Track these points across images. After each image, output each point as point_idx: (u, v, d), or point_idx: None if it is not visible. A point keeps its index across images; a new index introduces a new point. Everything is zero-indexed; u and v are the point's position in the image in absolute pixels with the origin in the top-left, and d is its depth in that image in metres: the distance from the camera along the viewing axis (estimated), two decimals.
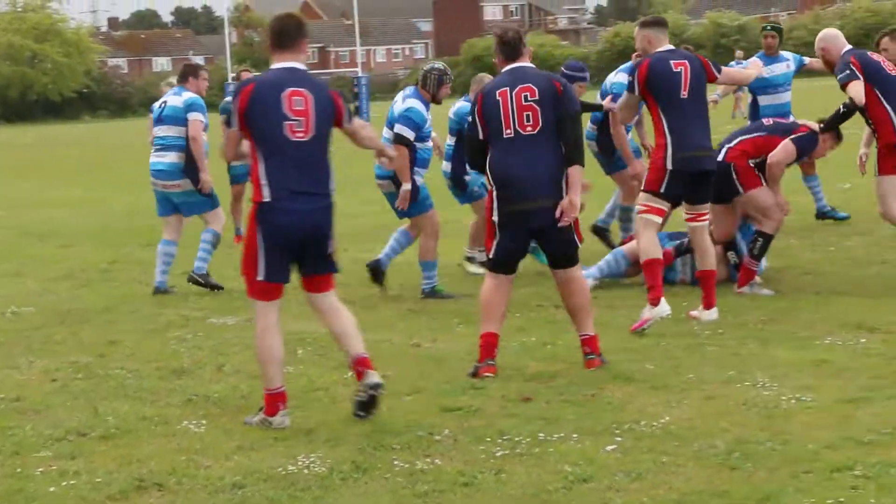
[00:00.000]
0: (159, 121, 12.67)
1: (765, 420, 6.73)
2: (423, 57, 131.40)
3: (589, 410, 7.11)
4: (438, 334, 9.54)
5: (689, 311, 9.73)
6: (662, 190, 9.48)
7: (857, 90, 10.26)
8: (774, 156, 10.52)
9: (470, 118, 8.47)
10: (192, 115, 12.33)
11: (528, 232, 8.32)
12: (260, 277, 7.21)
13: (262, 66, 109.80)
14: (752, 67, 12.94)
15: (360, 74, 65.52)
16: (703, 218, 9.73)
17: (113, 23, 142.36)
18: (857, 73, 10.40)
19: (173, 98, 12.64)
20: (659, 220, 9.74)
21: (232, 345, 9.61)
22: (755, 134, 11.04)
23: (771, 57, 14.40)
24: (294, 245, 7.22)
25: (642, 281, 11.12)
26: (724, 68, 10.22)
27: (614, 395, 7.44)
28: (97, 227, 19.12)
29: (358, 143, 7.72)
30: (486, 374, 8.08)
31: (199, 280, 12.44)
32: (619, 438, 6.53)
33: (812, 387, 7.33)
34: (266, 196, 7.11)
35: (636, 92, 9.56)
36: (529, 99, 8.16)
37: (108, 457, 6.68)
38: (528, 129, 8.13)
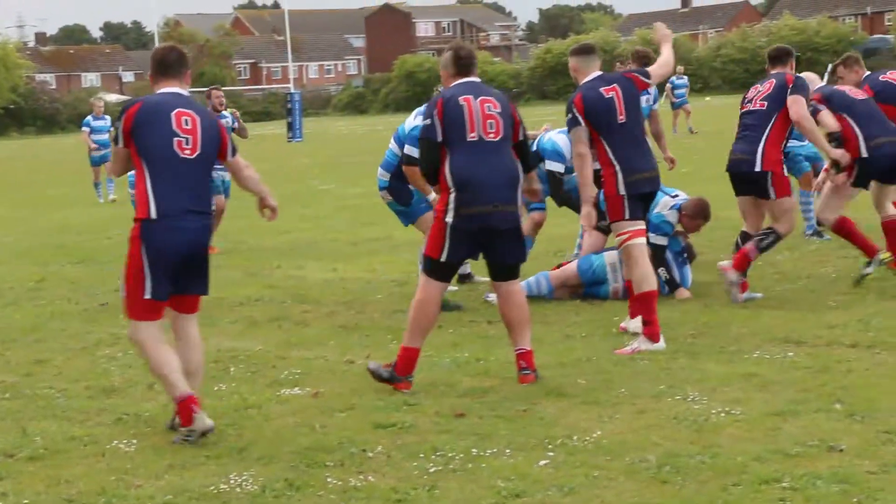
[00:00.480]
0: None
1: (695, 433, 6.77)
2: (355, 73, 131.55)
3: (522, 426, 7.12)
4: (372, 350, 9.52)
5: (620, 325, 9.82)
6: (627, 216, 9.42)
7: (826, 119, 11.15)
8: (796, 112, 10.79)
9: (428, 121, 8.38)
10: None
11: (482, 236, 8.28)
12: (147, 296, 7.13)
13: (193, 81, 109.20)
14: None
15: (292, 90, 65.25)
16: (642, 234, 9.78)
17: (41, 38, 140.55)
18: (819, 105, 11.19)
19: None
20: (642, 240, 9.55)
21: None
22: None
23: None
24: (178, 263, 7.19)
25: (573, 297, 11.25)
26: (649, 68, 10.26)
27: (547, 410, 7.46)
28: (24, 245, 18.83)
29: (239, 182, 7.73)
30: (403, 389, 8.10)
31: None
32: (551, 453, 6.55)
33: (741, 400, 7.39)
34: (153, 213, 7.08)
35: (582, 124, 9.47)
36: (492, 110, 8.29)
37: (36, 478, 6.60)
38: (491, 136, 8.23)
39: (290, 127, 58.19)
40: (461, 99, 8.28)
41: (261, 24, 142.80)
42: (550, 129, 12.37)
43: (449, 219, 8.18)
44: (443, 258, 8.27)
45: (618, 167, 9.39)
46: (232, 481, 6.37)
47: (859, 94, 11.44)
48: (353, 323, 10.80)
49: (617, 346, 9.13)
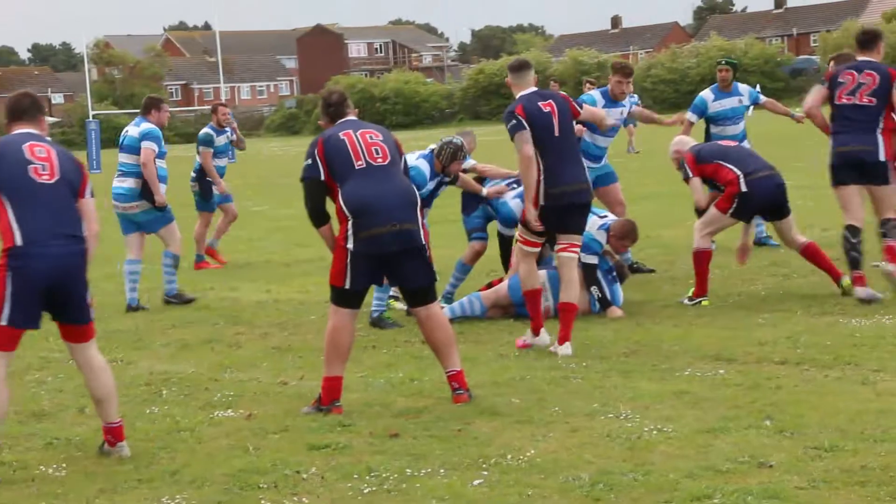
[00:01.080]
0: (121, 148, 13.77)
1: (627, 451, 6.80)
2: (288, 94, 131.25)
3: (456, 445, 7.13)
4: (305, 372, 9.50)
5: (550, 348, 9.87)
6: (544, 223, 9.78)
7: None
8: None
9: (309, 160, 8.41)
10: (145, 144, 13.34)
11: (384, 258, 8.28)
12: (3, 322, 6.97)
13: (123, 104, 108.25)
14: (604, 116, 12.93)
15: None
16: (574, 249, 9.99)
17: None
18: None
19: (133, 128, 13.76)
20: (536, 250, 10.10)
21: None
22: None
23: (723, 91, 14.85)
24: (45, 290, 7.03)
25: (506, 316, 11.29)
26: (585, 106, 10.48)
27: (481, 429, 7.47)
28: None
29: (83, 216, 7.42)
30: (337, 413, 8.10)
31: (174, 300, 13.59)
32: (485, 472, 6.56)
33: (672, 417, 7.43)
34: (18, 241, 6.94)
35: (527, 128, 9.71)
36: (374, 138, 8.39)
37: None
38: (379, 160, 8.31)
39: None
40: (341, 134, 8.38)
41: (192, 46, 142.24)
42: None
43: (350, 245, 8.17)
44: (347, 286, 8.25)
45: (543, 177, 9.69)
46: None
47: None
48: (287, 344, 10.77)
49: (551, 365, 9.16)
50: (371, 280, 8.51)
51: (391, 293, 11.72)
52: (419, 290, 8.44)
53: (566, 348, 9.64)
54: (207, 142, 17.13)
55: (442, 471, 6.64)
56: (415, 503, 6.14)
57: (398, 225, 8.20)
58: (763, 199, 11.50)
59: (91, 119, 64.39)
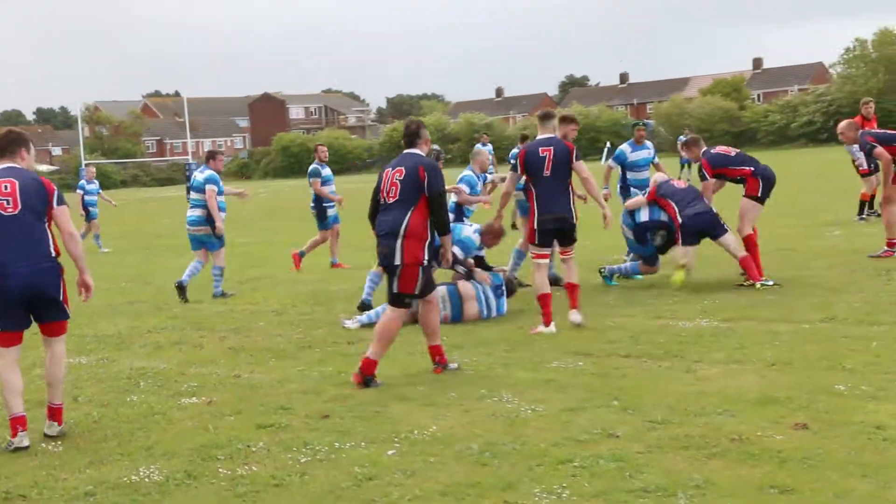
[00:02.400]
0: (192, 188, 15.14)
1: (508, 426, 6.81)
2: (241, 147, 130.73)
3: (374, 424, 7.10)
4: (255, 367, 9.42)
5: (531, 329, 10.33)
6: (537, 241, 10.37)
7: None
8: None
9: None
10: (208, 186, 14.58)
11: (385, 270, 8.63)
12: None
13: (110, 154, 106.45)
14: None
15: (190, 161, 64.75)
16: (569, 254, 10.53)
17: None
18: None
19: (198, 174, 14.95)
20: (546, 261, 10.57)
21: (85, 380, 9.30)
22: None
23: (638, 145, 15.06)
24: (21, 300, 6.94)
25: (414, 322, 11.27)
26: (584, 175, 10.45)
27: (394, 411, 7.45)
28: None
29: (61, 236, 7.23)
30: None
31: (219, 296, 14.55)
32: (397, 444, 6.55)
33: (543, 400, 7.45)
34: None
35: (518, 171, 10.46)
36: (397, 178, 8.51)
37: None
38: (390, 198, 8.50)
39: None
40: (385, 170, 8.74)
41: (165, 109, 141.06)
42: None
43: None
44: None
45: (536, 206, 10.29)
46: (141, 473, 6.25)
47: (681, 184, 12.91)
48: (240, 345, 10.66)
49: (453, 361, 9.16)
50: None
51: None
52: (391, 295, 8.61)
53: (575, 315, 10.34)
54: (316, 174, 17.82)
55: (363, 444, 6.61)
56: (342, 470, 6.10)
57: (383, 249, 8.44)
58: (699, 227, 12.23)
59: (83, 167, 63.22)
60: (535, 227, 10.30)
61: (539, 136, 10.41)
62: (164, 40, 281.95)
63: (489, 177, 14.59)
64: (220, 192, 14.76)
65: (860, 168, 18.24)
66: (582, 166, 10.36)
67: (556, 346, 9.51)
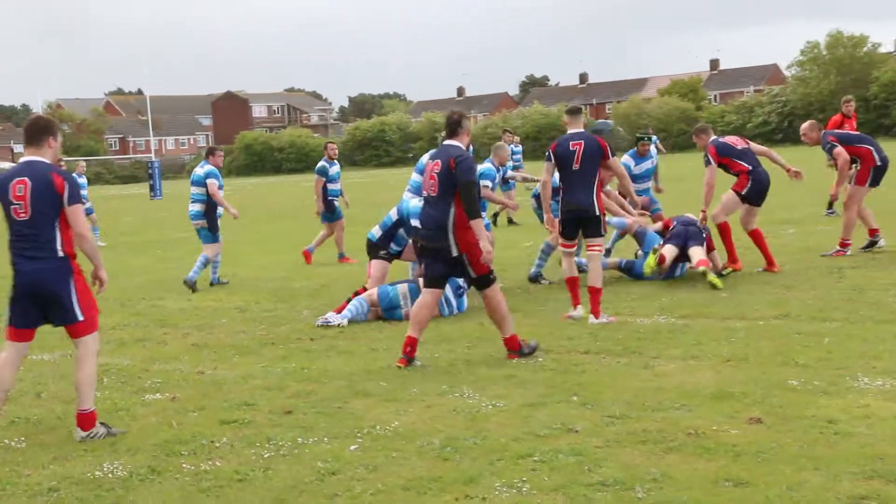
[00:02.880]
0: (192, 182, 15.47)
1: (469, 421, 6.83)
2: (204, 145, 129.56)
3: (336, 419, 7.10)
4: (218, 363, 9.39)
5: (564, 315, 10.66)
6: (562, 232, 10.70)
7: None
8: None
9: None
10: (210, 180, 15.13)
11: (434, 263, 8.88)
12: (7, 324, 7.05)
13: (72, 152, 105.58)
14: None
15: (153, 159, 64.21)
16: (596, 248, 10.57)
17: None
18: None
19: (199, 169, 15.40)
20: (572, 250, 10.84)
21: (48, 376, 9.22)
22: None
23: (641, 157, 15.06)
24: (28, 298, 6.92)
25: (377, 319, 11.28)
26: (617, 170, 11.08)
27: (356, 406, 7.45)
28: None
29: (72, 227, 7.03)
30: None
31: (189, 286, 14.73)
32: (360, 440, 6.55)
33: (503, 395, 7.48)
34: (10, 261, 6.96)
35: (552, 160, 10.58)
36: (435, 169, 8.74)
37: None
38: (431, 192, 8.75)
39: (152, 188, 57.53)
40: (426, 163, 9.19)
41: (128, 107, 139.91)
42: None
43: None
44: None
45: (562, 197, 10.56)
46: (105, 469, 6.22)
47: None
48: (203, 342, 10.62)
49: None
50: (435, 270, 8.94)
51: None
52: (474, 281, 8.88)
53: (593, 318, 10.33)
54: (323, 172, 18.03)
55: (326, 439, 6.62)
56: (305, 465, 6.10)
57: (425, 242, 8.79)
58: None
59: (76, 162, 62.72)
60: (561, 217, 10.66)
61: (570, 131, 10.56)
62: (127, 39, 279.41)
63: (509, 172, 15.30)
64: (220, 186, 15.29)
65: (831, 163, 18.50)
66: (616, 163, 10.77)
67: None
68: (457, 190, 8.58)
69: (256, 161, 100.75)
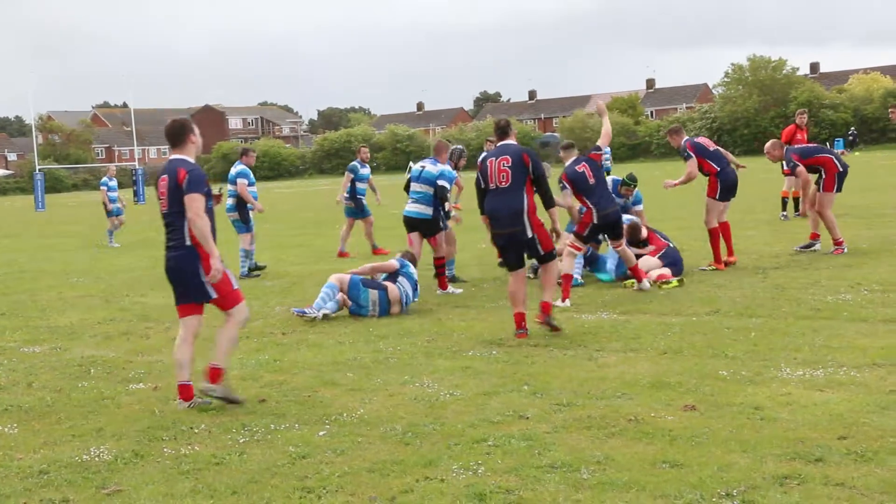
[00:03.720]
0: (227, 181, 16.03)
1: (429, 409, 6.81)
2: None
3: (307, 407, 7.05)
4: (197, 355, 9.26)
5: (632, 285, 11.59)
6: (585, 235, 11.54)
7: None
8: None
9: (477, 175, 9.56)
10: (240, 179, 15.80)
11: (502, 247, 9.42)
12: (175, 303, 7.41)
13: (62, 160, 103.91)
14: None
15: (137, 167, 63.70)
16: (618, 246, 11.72)
17: None
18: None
19: (233, 168, 16.06)
20: (579, 253, 11.77)
21: (39, 367, 9.08)
22: None
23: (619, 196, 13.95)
24: (172, 281, 7.31)
25: (346, 309, 11.20)
26: (599, 142, 11.95)
27: (325, 395, 7.41)
28: None
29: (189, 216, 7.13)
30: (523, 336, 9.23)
31: (245, 276, 15.33)
32: (328, 426, 6.51)
33: (460, 385, 7.47)
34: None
35: (568, 189, 11.54)
36: (505, 165, 9.20)
37: None
38: (503, 184, 9.21)
39: (136, 193, 57.26)
40: (487, 160, 9.36)
41: (113, 119, 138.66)
42: None
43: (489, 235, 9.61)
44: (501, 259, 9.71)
45: (593, 208, 11.40)
46: (92, 453, 6.12)
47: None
48: None
49: (374, 349, 9.11)
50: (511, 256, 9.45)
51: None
52: (542, 257, 9.46)
53: (644, 284, 11.68)
54: (353, 170, 18.41)
55: (297, 426, 6.56)
56: (277, 449, 6.04)
57: (509, 229, 9.19)
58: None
59: (37, 171, 61.94)
60: (595, 221, 11.33)
61: (570, 160, 11.58)
62: (113, 55, 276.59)
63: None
64: (251, 183, 15.84)
65: (784, 168, 18.71)
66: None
67: (471, 336, 9.53)
68: (528, 179, 9.15)
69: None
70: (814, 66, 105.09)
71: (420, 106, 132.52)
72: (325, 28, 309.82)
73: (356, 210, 18.38)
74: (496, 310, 11.10)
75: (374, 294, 11.07)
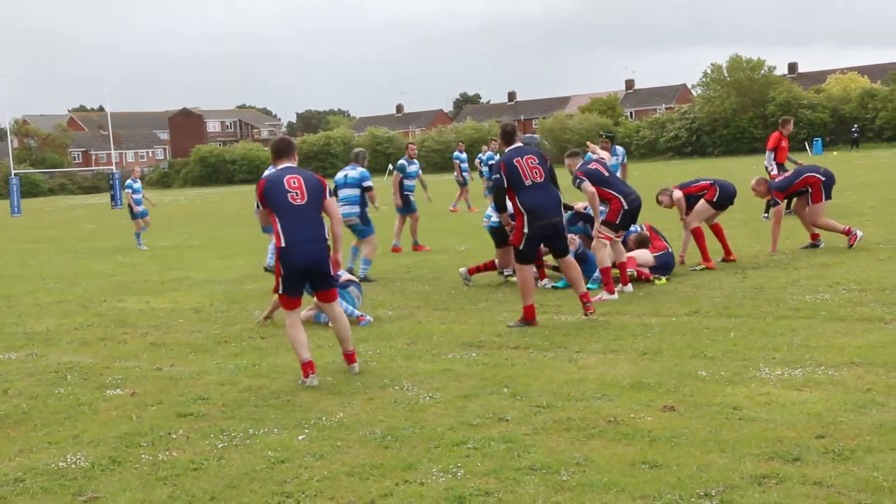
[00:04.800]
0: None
1: (408, 412, 6.81)
2: (162, 158, 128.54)
3: (286, 412, 7.04)
4: (175, 360, 9.25)
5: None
6: (618, 222, 11.53)
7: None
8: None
9: (497, 175, 9.90)
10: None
11: (547, 237, 9.95)
12: (281, 292, 7.90)
13: (38, 165, 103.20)
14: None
15: (114, 171, 63.49)
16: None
17: None
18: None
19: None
20: (608, 242, 11.58)
21: (15, 374, 9.02)
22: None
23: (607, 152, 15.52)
24: (301, 273, 7.83)
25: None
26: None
27: (304, 399, 7.39)
28: None
29: (329, 216, 8.07)
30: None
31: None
32: (307, 430, 6.50)
33: (440, 388, 7.47)
34: (283, 243, 7.76)
35: (586, 179, 11.51)
36: (533, 163, 9.83)
37: None
38: (538, 179, 9.81)
39: (113, 198, 57.14)
40: (514, 161, 9.80)
41: (90, 123, 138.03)
42: None
43: (527, 230, 9.77)
44: (521, 248, 9.87)
45: (623, 199, 11.64)
46: (69, 460, 6.09)
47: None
48: (161, 341, 10.46)
49: (356, 352, 9.10)
50: (537, 248, 10.11)
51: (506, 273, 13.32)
52: (560, 252, 10.12)
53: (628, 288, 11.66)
54: (401, 168, 18.63)
55: (276, 430, 6.55)
56: (256, 454, 6.03)
57: (554, 219, 9.83)
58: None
59: (13, 176, 61.55)
60: (624, 207, 11.48)
61: (579, 164, 11.78)
62: (89, 58, 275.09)
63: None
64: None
65: (771, 173, 18.81)
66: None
67: (451, 339, 9.53)
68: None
69: (211, 172, 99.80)
70: (792, 66, 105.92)
71: (399, 108, 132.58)
72: (304, 30, 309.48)
73: (403, 207, 18.60)
74: (476, 312, 11.11)
75: (354, 290, 11.07)
